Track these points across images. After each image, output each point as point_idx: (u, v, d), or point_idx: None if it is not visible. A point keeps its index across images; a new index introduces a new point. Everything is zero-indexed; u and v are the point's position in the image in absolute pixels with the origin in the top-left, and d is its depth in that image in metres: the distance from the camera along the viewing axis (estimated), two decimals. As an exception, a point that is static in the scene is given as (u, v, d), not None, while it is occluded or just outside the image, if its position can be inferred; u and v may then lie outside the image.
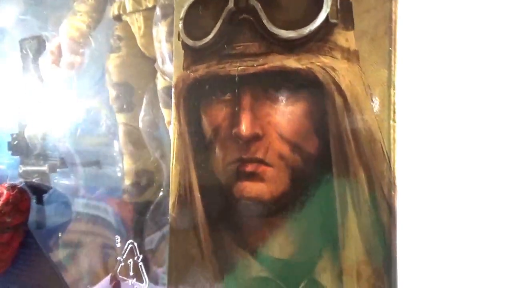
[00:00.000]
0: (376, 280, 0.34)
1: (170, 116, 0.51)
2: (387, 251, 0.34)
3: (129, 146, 0.59)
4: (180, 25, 0.44)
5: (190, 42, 0.43)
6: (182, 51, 0.44)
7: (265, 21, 0.38)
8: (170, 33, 0.48)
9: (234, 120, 0.40)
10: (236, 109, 0.40)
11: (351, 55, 0.35)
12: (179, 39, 0.45)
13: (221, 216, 0.43)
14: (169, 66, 0.48)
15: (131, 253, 0.61)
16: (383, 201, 0.34)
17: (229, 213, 0.42)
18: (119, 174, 0.63)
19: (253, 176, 0.40)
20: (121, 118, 0.60)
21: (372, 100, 0.34)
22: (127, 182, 0.60)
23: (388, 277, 0.34)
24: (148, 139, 0.56)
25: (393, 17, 0.32)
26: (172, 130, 0.45)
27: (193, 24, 0.44)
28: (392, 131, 0.33)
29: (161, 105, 0.54)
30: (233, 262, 0.41)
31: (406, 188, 0.34)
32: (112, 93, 0.60)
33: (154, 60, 0.55)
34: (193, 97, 0.44)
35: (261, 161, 0.40)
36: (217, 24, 0.41)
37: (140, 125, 0.56)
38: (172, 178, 0.46)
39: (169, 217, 0.46)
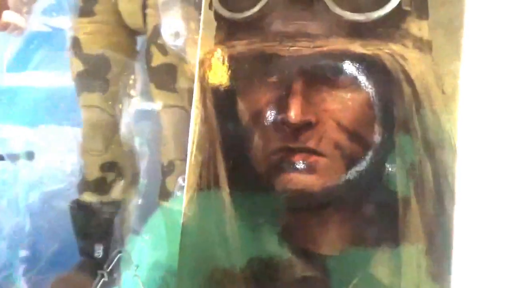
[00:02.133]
0: (437, 269, 0.35)
1: (166, 99, 0.44)
2: (449, 240, 0.35)
3: (94, 132, 0.48)
4: (214, -9, 0.38)
5: (226, 13, 0.38)
6: (214, 22, 0.38)
7: (328, 0, 0.36)
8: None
9: (281, 105, 0.36)
10: (284, 93, 0.37)
11: (424, 45, 0.35)
12: (210, 8, 0.39)
13: (258, 211, 0.38)
14: (179, 39, 0.41)
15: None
16: (448, 192, 0.35)
17: (269, 208, 0.38)
18: (68, 168, 0.52)
19: (302, 167, 0.37)
20: (87, 99, 0.49)
21: (442, 91, 0.35)
22: (88, 177, 0.49)
23: (448, 265, 0.35)
24: (127, 127, 0.47)
25: (466, 12, 0.34)
26: (194, 115, 0.39)
27: None
28: (459, 123, 0.35)
29: (153, 86, 0.46)
30: (273, 265, 0.37)
31: (471, 180, 0.35)
32: (78, 67, 0.49)
33: (139, 32, 0.46)
34: (228, 77, 0.39)
35: (313, 151, 0.36)
36: None
37: (117, 110, 0.47)
38: (190, 169, 0.39)
39: (183, 216, 0.40)
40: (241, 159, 0.38)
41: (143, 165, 0.49)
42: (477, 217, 0.36)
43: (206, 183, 0.39)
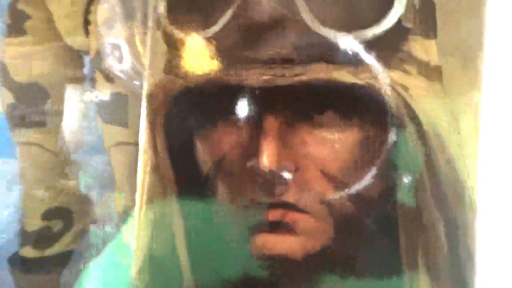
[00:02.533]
0: None
1: (117, 135, 0.36)
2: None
3: (34, 174, 0.40)
4: (162, 7, 0.31)
5: (179, 33, 0.30)
6: (164, 46, 0.31)
7: (306, 15, 0.28)
8: (129, 15, 0.33)
9: (251, 149, 0.28)
10: (255, 134, 0.29)
11: (431, 71, 0.27)
12: (158, 28, 0.31)
13: (226, 285, 0.31)
14: (124, 64, 0.33)
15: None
16: (468, 260, 0.27)
17: (240, 279, 0.30)
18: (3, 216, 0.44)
19: (279, 227, 0.29)
20: (23, 135, 0.41)
21: (457, 131, 0.27)
22: (28, 228, 0.41)
23: None
24: (73, 166, 0.39)
25: (486, 31, 0.27)
26: (142, 161, 0.31)
27: (184, 7, 0.31)
28: (479, 172, 0.27)
29: (100, 119, 0.38)
30: None
31: (494, 244, 0.28)
32: (8, 98, 0.41)
33: (84, 52, 0.39)
34: (182, 113, 0.31)
35: (292, 207, 0.29)
36: (229, 9, 0.29)
37: (60, 144, 0.39)
38: (139, 232, 0.31)
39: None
40: (203, 219, 0.31)
41: (95, 211, 0.41)
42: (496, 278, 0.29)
43: (160, 250, 0.32)
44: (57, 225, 0.41)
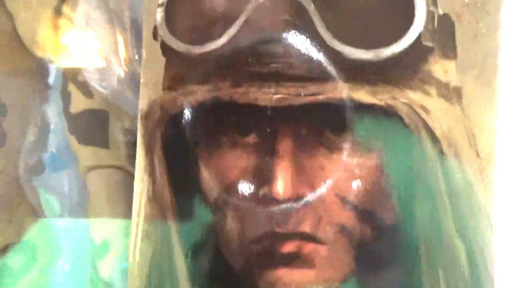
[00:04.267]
0: None
1: (94, 157, 0.32)
2: None
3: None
4: (159, 14, 0.27)
5: (180, 45, 0.27)
6: (162, 59, 0.27)
7: (322, 29, 0.26)
8: (115, 19, 0.28)
9: (263, 175, 0.26)
10: (267, 158, 0.26)
11: (451, 93, 0.26)
12: (156, 39, 0.27)
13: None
14: (107, 76, 0.28)
15: None
16: (487, 281, 0.27)
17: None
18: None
19: (295, 259, 0.27)
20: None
21: (477, 154, 0.27)
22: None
23: None
24: (34, 192, 0.33)
25: (500, 47, 0.26)
26: (138, 189, 0.27)
27: (186, 15, 0.27)
28: (496, 193, 0.27)
29: (74, 139, 0.33)
30: None
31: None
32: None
33: (50, 60, 0.33)
34: (183, 135, 0.27)
35: (309, 237, 0.27)
36: (236, 22, 0.26)
37: (21, 172, 0.33)
38: (134, 271, 0.27)
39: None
40: (209, 253, 0.28)
41: (65, 243, 0.36)
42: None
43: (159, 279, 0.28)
44: (16, 262, 0.35)
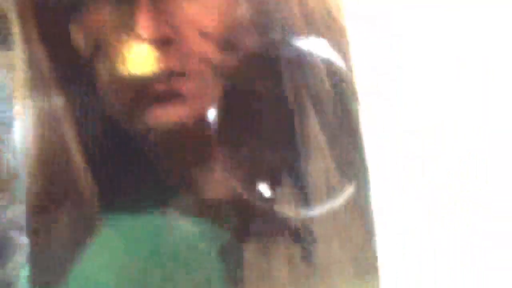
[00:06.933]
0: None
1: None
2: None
3: None
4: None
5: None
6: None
7: None
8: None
9: (127, 24, 0.28)
10: (129, 8, 0.29)
11: None
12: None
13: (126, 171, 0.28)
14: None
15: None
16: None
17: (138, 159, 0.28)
18: None
19: (167, 96, 0.28)
20: None
21: None
22: None
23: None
24: None
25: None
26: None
27: None
28: None
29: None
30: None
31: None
32: None
33: None
34: (53, 7, 0.30)
35: (177, 74, 0.28)
36: None
37: None
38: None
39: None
40: (93, 109, 0.29)
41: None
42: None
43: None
44: None
